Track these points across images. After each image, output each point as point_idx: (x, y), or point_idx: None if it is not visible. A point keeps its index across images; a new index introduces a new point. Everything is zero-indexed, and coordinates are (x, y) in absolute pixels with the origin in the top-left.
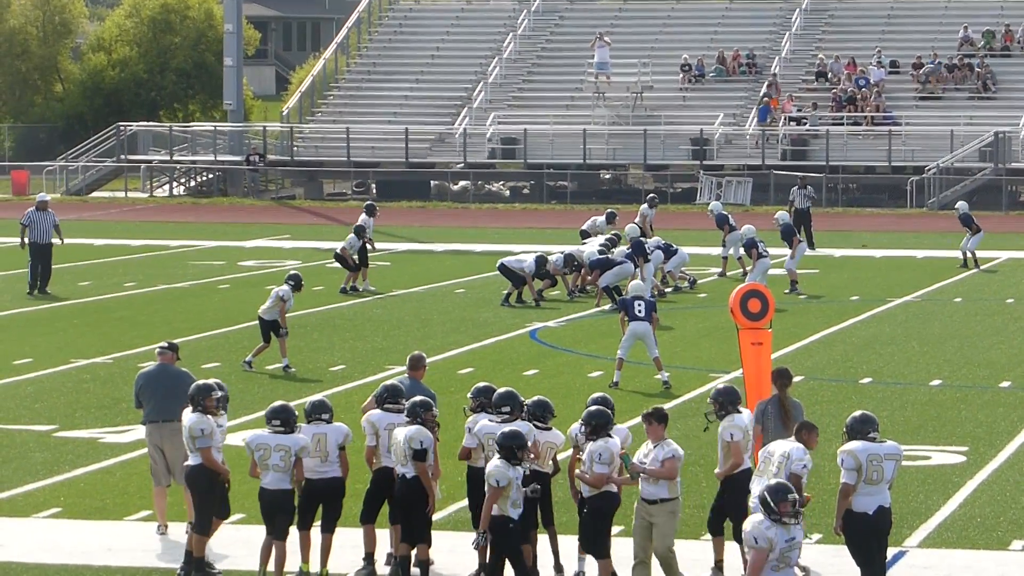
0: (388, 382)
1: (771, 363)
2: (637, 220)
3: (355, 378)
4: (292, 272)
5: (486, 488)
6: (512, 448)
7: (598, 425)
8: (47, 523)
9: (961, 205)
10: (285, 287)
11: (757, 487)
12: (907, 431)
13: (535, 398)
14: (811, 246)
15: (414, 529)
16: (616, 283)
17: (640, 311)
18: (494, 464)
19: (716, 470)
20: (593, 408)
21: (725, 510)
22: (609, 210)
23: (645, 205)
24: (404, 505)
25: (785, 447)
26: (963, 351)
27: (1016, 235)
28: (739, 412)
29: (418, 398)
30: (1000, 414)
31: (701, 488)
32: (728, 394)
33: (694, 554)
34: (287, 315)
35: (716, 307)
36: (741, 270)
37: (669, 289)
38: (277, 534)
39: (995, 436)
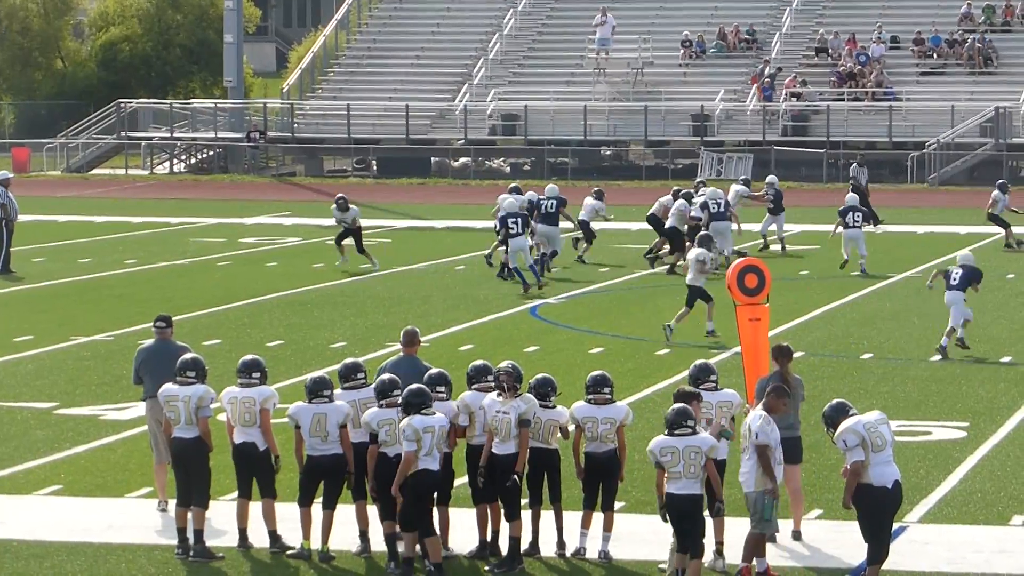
0: (348, 360)
1: (768, 339)
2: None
3: (355, 355)
4: (704, 233)
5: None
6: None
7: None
8: (48, 500)
9: None
10: (700, 249)
11: (743, 465)
12: (908, 406)
13: (538, 376)
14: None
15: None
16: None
17: (955, 280)
18: None
19: None
20: (415, 387)
21: None
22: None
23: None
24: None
25: (748, 419)
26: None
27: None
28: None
29: (413, 386)
30: (1001, 389)
31: None
32: (700, 370)
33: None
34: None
35: (719, 282)
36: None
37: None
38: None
39: (996, 411)
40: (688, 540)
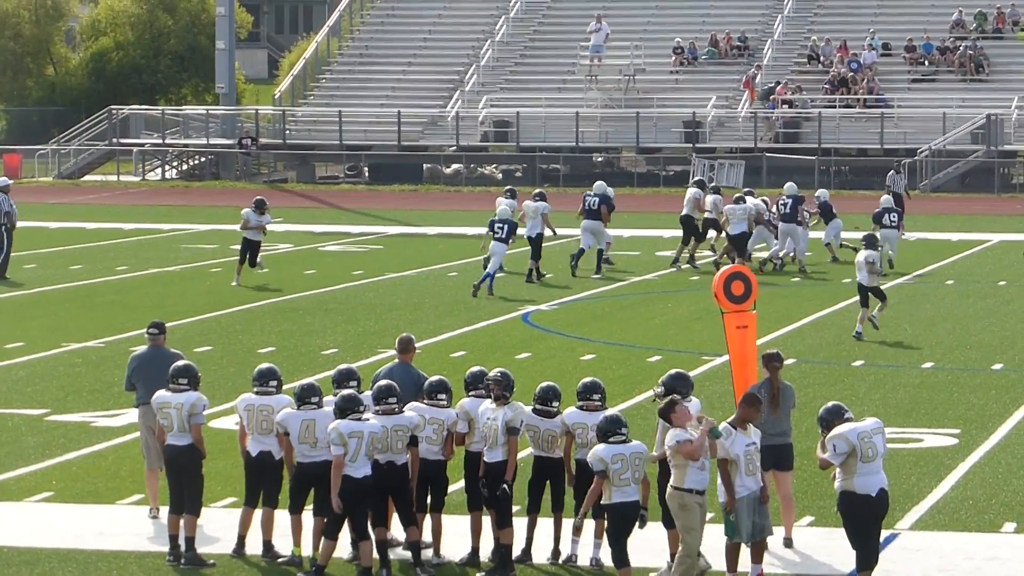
0: (343, 366)
1: (756, 346)
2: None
3: (347, 362)
4: (870, 233)
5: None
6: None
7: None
8: (39, 507)
9: None
10: (869, 251)
11: None
12: (899, 414)
13: (542, 384)
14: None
15: (404, 511)
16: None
17: None
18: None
19: (652, 453)
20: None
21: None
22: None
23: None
24: (391, 490)
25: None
26: (955, 333)
27: (1008, 217)
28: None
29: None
30: (992, 396)
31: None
32: (676, 379)
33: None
34: None
35: (707, 290)
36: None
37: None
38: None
39: (987, 418)
40: (622, 549)
